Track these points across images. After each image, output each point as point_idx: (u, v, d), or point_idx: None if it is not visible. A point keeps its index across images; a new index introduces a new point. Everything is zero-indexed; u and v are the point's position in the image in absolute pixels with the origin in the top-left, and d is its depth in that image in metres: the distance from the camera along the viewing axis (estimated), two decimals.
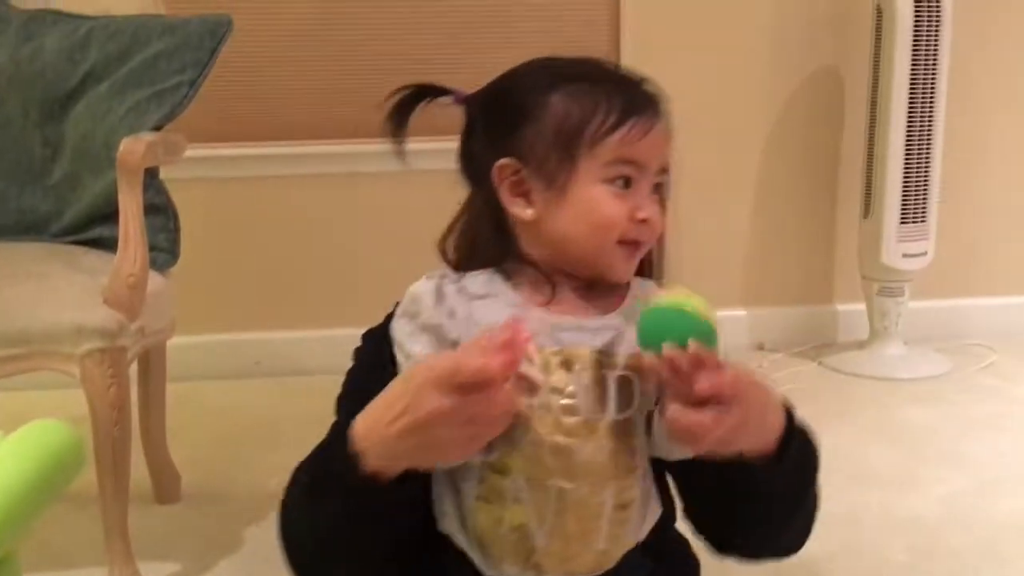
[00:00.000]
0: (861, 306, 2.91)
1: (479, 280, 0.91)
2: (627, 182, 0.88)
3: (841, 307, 3.06)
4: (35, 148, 1.91)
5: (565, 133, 0.87)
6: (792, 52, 2.88)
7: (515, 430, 0.82)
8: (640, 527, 0.92)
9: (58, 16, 1.94)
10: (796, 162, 2.97)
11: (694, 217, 2.90)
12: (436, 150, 2.98)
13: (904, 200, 2.72)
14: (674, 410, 0.80)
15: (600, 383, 0.85)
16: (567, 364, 0.85)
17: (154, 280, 1.77)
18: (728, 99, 2.89)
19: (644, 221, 0.88)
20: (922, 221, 2.75)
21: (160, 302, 1.79)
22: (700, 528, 1.02)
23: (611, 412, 0.86)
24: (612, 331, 0.87)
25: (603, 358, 0.86)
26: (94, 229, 1.86)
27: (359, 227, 2.79)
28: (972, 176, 2.99)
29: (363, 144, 2.76)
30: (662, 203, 0.92)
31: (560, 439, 0.84)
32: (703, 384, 0.77)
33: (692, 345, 0.78)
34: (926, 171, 2.72)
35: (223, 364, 2.76)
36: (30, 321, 1.58)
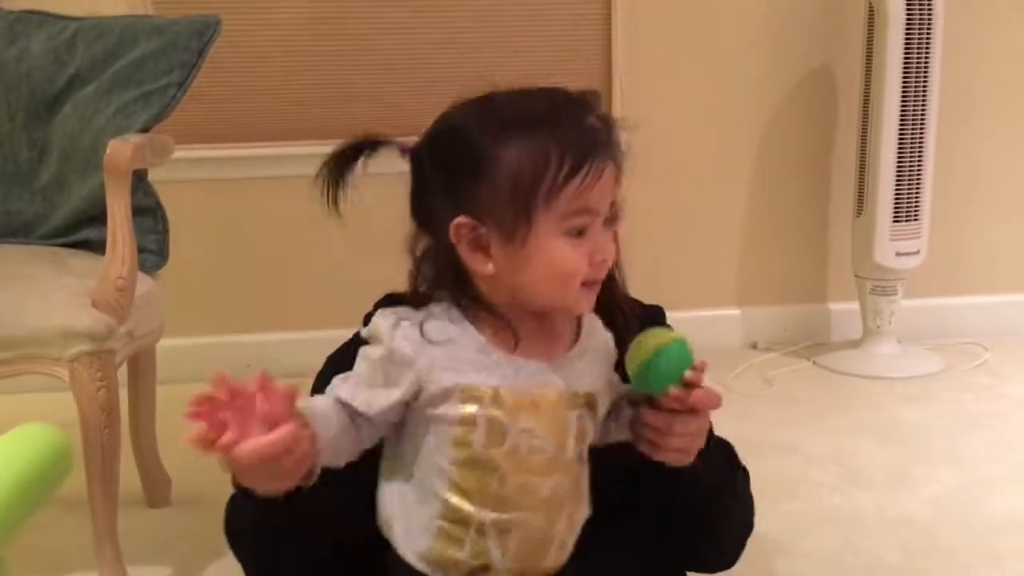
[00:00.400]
0: (854, 305, 2.91)
1: (439, 324, 0.90)
2: (583, 229, 0.89)
3: (834, 306, 3.05)
4: (21, 150, 1.89)
5: (520, 190, 0.87)
6: (785, 51, 2.88)
7: (485, 472, 0.89)
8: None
9: (44, 17, 1.92)
10: (789, 161, 2.96)
11: (688, 216, 2.89)
12: None
13: (897, 199, 2.71)
14: (652, 416, 0.95)
15: (563, 422, 0.92)
16: (534, 405, 0.90)
17: (143, 282, 1.76)
18: (721, 98, 2.89)
19: (603, 261, 0.90)
20: (915, 220, 2.74)
21: (149, 304, 1.78)
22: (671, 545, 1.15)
23: (571, 448, 0.93)
24: (572, 368, 0.93)
25: (566, 398, 0.92)
26: (82, 231, 1.85)
27: (350, 229, 2.76)
28: (965, 174, 2.99)
29: None
30: (615, 232, 0.94)
31: (526, 478, 0.90)
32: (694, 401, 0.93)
33: (693, 376, 0.93)
34: (919, 170, 2.71)
35: (213, 367, 2.73)
36: (17, 325, 1.57)
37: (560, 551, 0.96)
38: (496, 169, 0.87)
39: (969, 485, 2.08)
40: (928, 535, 1.87)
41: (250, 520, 1.06)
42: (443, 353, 0.89)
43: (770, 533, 1.86)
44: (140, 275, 1.76)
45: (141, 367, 1.96)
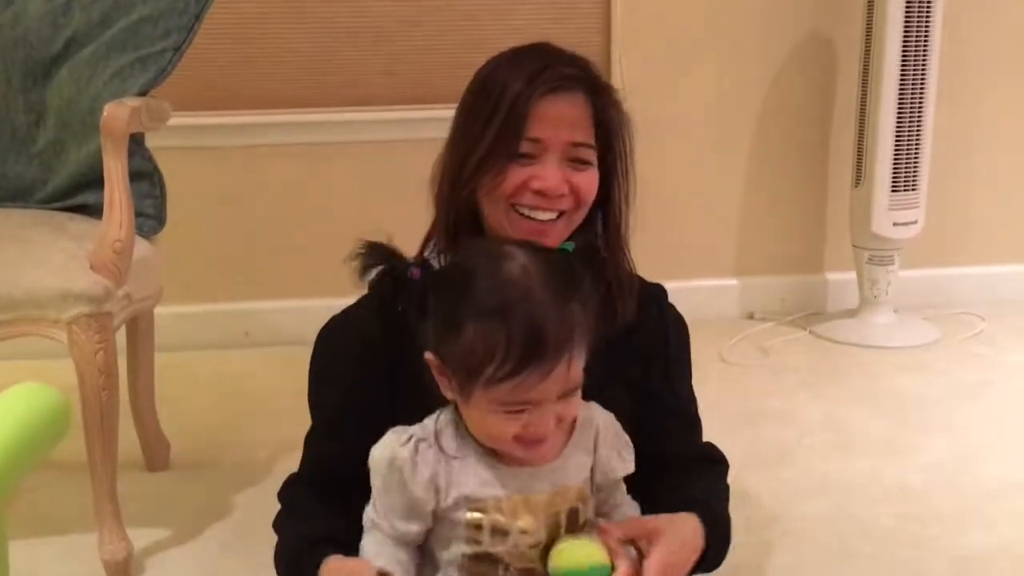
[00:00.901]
0: (851, 275, 2.91)
1: (449, 436, 1.03)
2: (520, 412, 0.96)
3: (831, 276, 3.06)
4: (18, 114, 1.89)
5: (465, 368, 0.96)
6: (785, 20, 2.86)
7: (492, 563, 1.01)
8: None
9: None
10: (788, 131, 2.95)
11: (685, 187, 2.89)
12: (426, 119, 2.99)
13: (895, 169, 2.71)
14: None
15: (556, 518, 1.03)
16: (529, 509, 1.01)
17: (140, 246, 1.77)
18: (719, 67, 2.88)
19: (536, 433, 0.98)
20: (913, 190, 2.74)
21: (147, 268, 1.78)
22: None
23: (546, 536, 1.03)
24: (564, 468, 1.04)
25: (558, 497, 1.03)
26: (79, 196, 1.85)
27: (350, 196, 2.77)
28: (964, 145, 2.98)
29: (355, 112, 2.75)
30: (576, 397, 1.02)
31: (526, 563, 1.02)
32: None
33: None
34: (917, 140, 2.71)
35: (212, 334, 2.76)
36: (15, 287, 1.57)
37: None
38: (459, 338, 0.96)
39: (963, 452, 2.09)
40: (922, 501, 1.88)
41: None
42: (456, 466, 1.01)
43: (764, 499, 1.88)
44: (137, 239, 1.76)
45: (140, 331, 1.96)
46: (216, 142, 2.71)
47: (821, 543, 1.74)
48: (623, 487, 1.12)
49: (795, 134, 2.96)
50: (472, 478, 1.01)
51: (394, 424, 1.06)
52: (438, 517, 1.03)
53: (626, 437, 1.10)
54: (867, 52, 2.70)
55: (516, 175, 1.15)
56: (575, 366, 0.96)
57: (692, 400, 1.30)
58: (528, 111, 1.14)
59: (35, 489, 1.94)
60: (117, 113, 1.65)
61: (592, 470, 1.07)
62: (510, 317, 0.93)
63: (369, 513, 1.06)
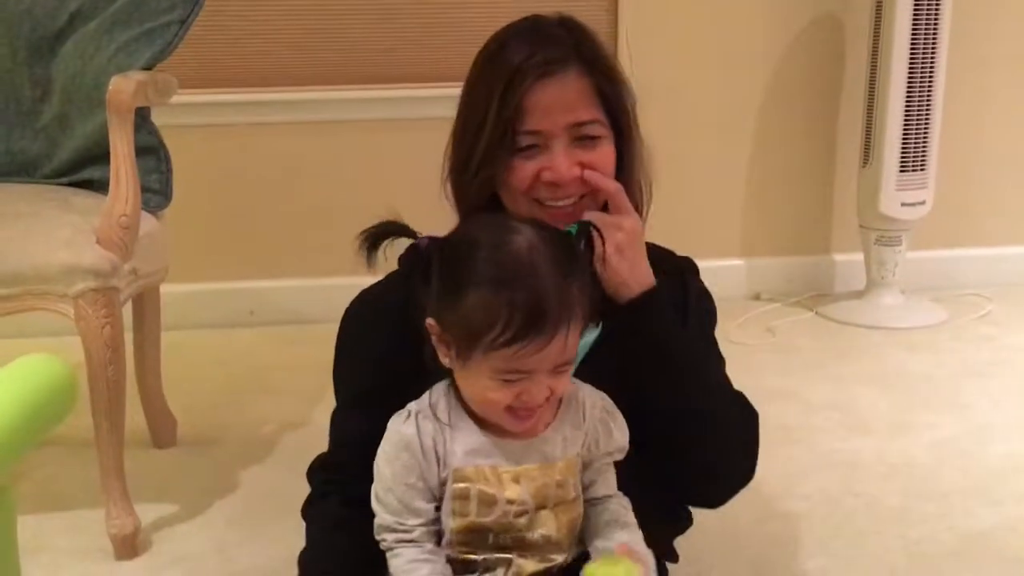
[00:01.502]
0: (858, 256, 2.90)
1: (444, 406, 1.04)
2: (515, 380, 0.97)
3: (838, 257, 3.04)
4: (24, 89, 1.88)
5: (466, 332, 0.97)
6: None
7: (481, 533, 1.02)
8: None
9: None
10: (795, 110, 2.94)
11: (692, 166, 2.88)
12: (430, 97, 2.97)
13: (904, 148, 2.69)
14: None
15: (544, 489, 1.03)
16: (516, 480, 1.02)
17: (147, 221, 1.76)
18: (726, 45, 2.86)
19: (529, 402, 0.99)
20: (922, 170, 2.73)
21: (153, 244, 1.78)
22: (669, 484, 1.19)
23: (551, 505, 1.04)
24: (553, 440, 1.04)
25: (545, 469, 1.03)
26: (85, 171, 1.85)
27: (354, 175, 2.76)
28: (973, 125, 2.96)
29: (359, 91, 2.74)
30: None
31: (516, 533, 1.03)
32: None
33: None
34: (927, 120, 2.69)
35: (218, 313, 2.75)
36: (22, 261, 1.57)
37: (567, 553, 1.07)
38: (461, 306, 0.97)
39: (970, 431, 2.09)
40: (928, 479, 1.88)
41: None
42: (449, 434, 1.02)
43: (769, 477, 1.87)
44: (144, 214, 1.76)
45: (146, 308, 1.96)
46: (221, 120, 2.70)
47: (827, 520, 1.74)
48: (612, 475, 1.11)
49: (802, 114, 2.94)
50: (461, 446, 1.02)
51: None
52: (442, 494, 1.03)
53: (618, 414, 1.10)
54: (876, 31, 2.68)
55: (524, 170, 1.14)
56: (571, 341, 0.98)
57: (720, 359, 1.28)
58: (520, 104, 1.11)
59: (43, 465, 1.95)
60: (123, 87, 1.64)
61: (581, 445, 1.07)
62: (515, 287, 0.95)
63: (386, 526, 1.04)
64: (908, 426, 2.12)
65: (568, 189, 1.14)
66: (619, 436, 1.10)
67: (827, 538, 1.69)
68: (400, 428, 1.03)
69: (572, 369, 1.02)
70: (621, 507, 1.10)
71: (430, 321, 1.01)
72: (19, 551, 1.61)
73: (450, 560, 1.04)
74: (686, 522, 1.33)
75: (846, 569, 1.60)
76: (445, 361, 1.02)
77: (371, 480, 1.12)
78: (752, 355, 2.52)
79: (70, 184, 1.86)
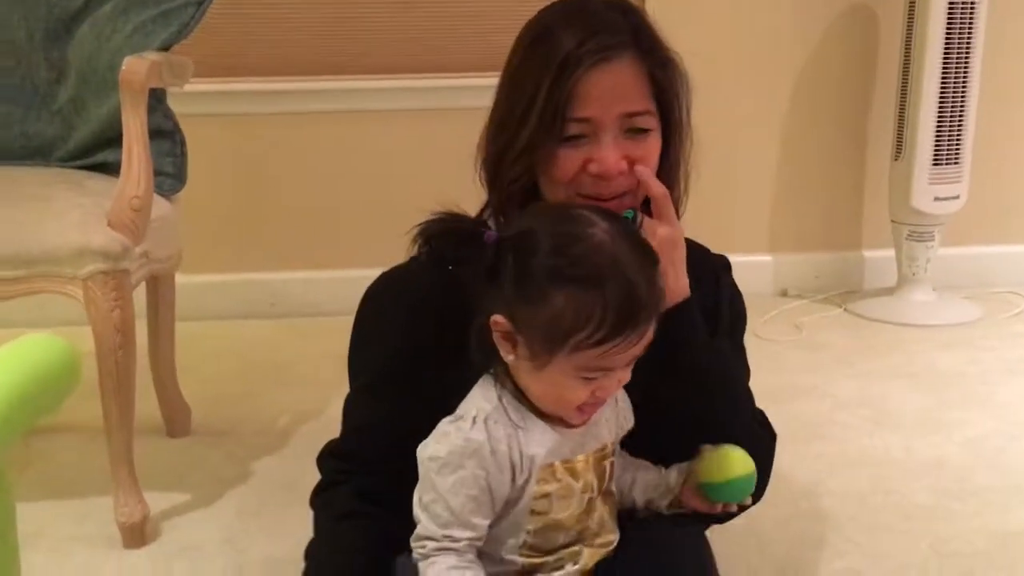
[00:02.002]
0: (889, 252, 2.84)
1: (513, 406, 1.00)
2: (596, 377, 0.96)
3: (869, 253, 2.98)
4: (39, 71, 1.86)
5: (550, 333, 0.93)
6: None
7: (555, 530, 1.01)
8: None
9: None
10: (826, 102, 2.87)
11: (720, 159, 2.79)
12: (451, 87, 2.93)
13: (937, 141, 2.63)
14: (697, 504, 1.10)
15: (602, 472, 1.04)
16: (586, 466, 1.02)
17: (160, 205, 1.74)
18: (756, 36, 2.80)
19: (606, 395, 0.99)
20: (955, 164, 2.66)
21: (166, 228, 1.75)
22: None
23: (606, 486, 1.06)
24: (599, 424, 1.04)
25: (600, 453, 1.04)
26: (99, 154, 1.83)
27: (376, 166, 2.73)
28: (1010, 118, 2.89)
29: (382, 80, 2.71)
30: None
31: (583, 523, 1.03)
32: None
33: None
34: (961, 112, 2.62)
35: (238, 304, 2.73)
36: (33, 242, 1.54)
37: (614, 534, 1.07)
38: (543, 304, 0.93)
39: (1004, 429, 2.02)
40: (960, 478, 1.82)
41: None
42: (522, 436, 0.98)
43: (796, 474, 1.82)
44: (157, 198, 1.73)
45: (160, 294, 1.93)
46: (243, 109, 2.68)
47: (854, 518, 1.68)
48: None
49: (833, 106, 2.88)
50: (540, 446, 0.98)
51: (437, 392, 1.02)
52: (508, 500, 0.98)
53: (624, 393, 1.08)
54: (910, 21, 2.61)
55: (570, 160, 1.08)
56: (651, 333, 0.96)
57: (746, 369, 1.25)
58: (572, 90, 1.05)
59: (54, 453, 1.93)
60: (136, 67, 1.61)
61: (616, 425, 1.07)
62: (605, 283, 0.92)
63: (428, 535, 0.98)
64: (940, 423, 2.05)
65: (613, 183, 1.09)
66: (630, 415, 1.09)
67: (855, 537, 1.62)
68: (468, 435, 0.97)
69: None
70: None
71: (498, 318, 0.96)
72: (23, 537, 1.60)
73: (516, 571, 1.02)
74: None
75: (874, 569, 1.54)
76: (509, 359, 0.98)
77: (383, 471, 1.08)
78: (780, 352, 2.46)
79: (85, 167, 1.84)
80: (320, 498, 1.17)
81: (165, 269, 1.84)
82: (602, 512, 1.04)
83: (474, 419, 0.97)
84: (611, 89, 1.07)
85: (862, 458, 1.91)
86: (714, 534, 1.24)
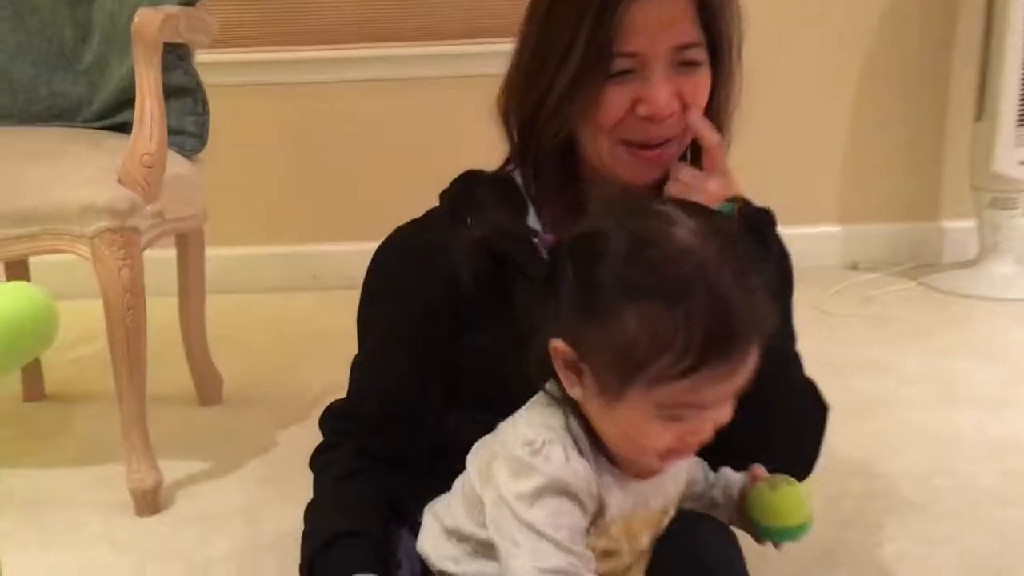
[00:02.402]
0: (970, 223, 2.65)
1: (584, 442, 0.84)
2: (683, 418, 0.79)
3: (949, 224, 2.79)
4: (65, 31, 1.84)
5: (626, 361, 0.77)
6: None
7: None
8: None
9: None
10: (903, 60, 2.69)
11: (785, 122, 2.65)
12: (486, 53, 2.82)
13: (1023, 99, 2.43)
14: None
15: (657, 531, 0.91)
16: (647, 524, 0.89)
17: (180, 164, 1.70)
18: None
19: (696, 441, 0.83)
20: None
21: (186, 187, 1.71)
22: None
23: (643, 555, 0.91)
24: (663, 481, 0.89)
25: (661, 513, 0.90)
26: (121, 113, 1.79)
27: (420, 135, 2.66)
28: None
29: (419, 47, 2.64)
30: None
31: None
32: None
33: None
34: None
35: (280, 277, 2.70)
36: (42, 199, 1.51)
37: None
38: (615, 322, 0.77)
39: None
40: None
41: None
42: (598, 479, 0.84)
43: (850, 453, 1.68)
44: (178, 157, 1.70)
45: (189, 258, 1.89)
46: (283, 79, 2.64)
47: (910, 500, 1.54)
48: None
49: (911, 63, 2.70)
50: (612, 498, 0.84)
51: (448, 358, 0.96)
52: None
53: None
54: None
55: (616, 100, 0.98)
56: (751, 364, 0.78)
57: (791, 336, 1.11)
58: (618, 21, 0.96)
59: (74, 422, 1.93)
60: (149, 18, 1.57)
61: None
62: (691, 298, 0.75)
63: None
64: (1012, 402, 1.88)
65: (663, 127, 1.00)
66: (697, 463, 0.99)
67: (909, 520, 1.49)
68: (561, 467, 0.81)
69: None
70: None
71: (558, 344, 0.81)
72: (38, 503, 1.58)
73: None
74: None
75: (930, 555, 1.40)
76: (574, 393, 0.82)
77: (386, 432, 1.03)
78: (845, 325, 2.32)
79: (108, 128, 1.80)
80: (320, 459, 1.10)
81: (187, 228, 1.79)
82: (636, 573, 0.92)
83: (563, 448, 0.82)
84: (660, 19, 0.97)
85: (924, 437, 1.76)
86: None
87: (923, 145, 2.75)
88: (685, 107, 1.00)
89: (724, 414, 0.81)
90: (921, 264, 2.74)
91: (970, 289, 2.53)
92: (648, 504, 0.87)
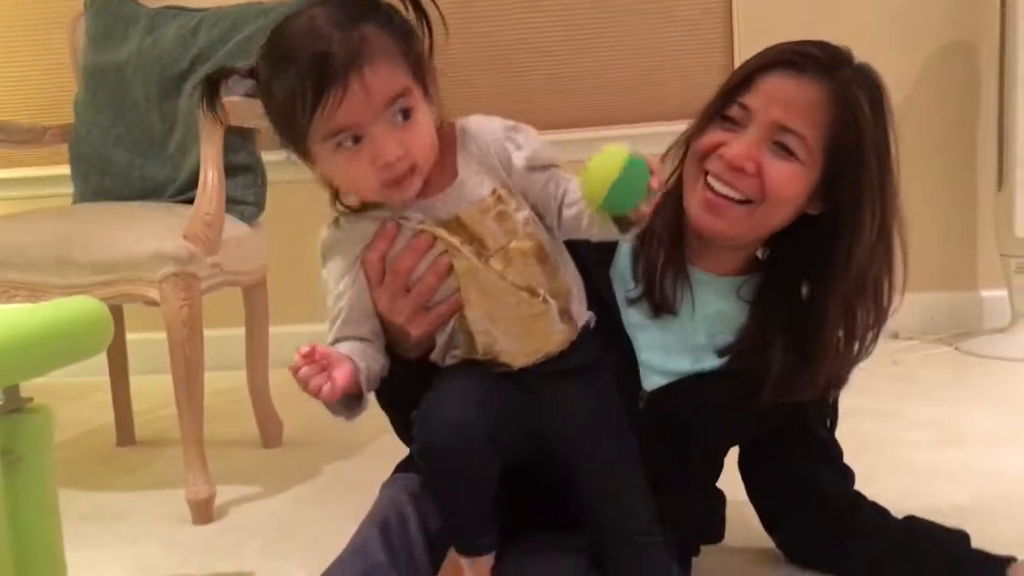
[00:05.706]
0: (1004, 292, 2.72)
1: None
2: (355, 139, 0.95)
3: (986, 293, 2.86)
4: (155, 123, 2.18)
5: (287, 124, 0.97)
6: (922, 25, 2.79)
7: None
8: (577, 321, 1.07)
9: (179, 10, 2.22)
10: (930, 138, 2.83)
11: None
12: (657, 133, 2.96)
13: None
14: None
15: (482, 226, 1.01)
16: (449, 227, 1.01)
17: (239, 227, 1.99)
18: None
19: (386, 164, 0.97)
20: None
21: (243, 246, 2.00)
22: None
23: (499, 241, 1.01)
24: (465, 184, 1.01)
25: (474, 210, 1.01)
26: (196, 189, 2.10)
27: None
28: None
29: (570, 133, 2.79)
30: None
31: (489, 276, 1.01)
32: None
33: (657, 184, 0.90)
34: None
35: None
36: (119, 251, 1.80)
37: (558, 327, 1.04)
38: (272, 101, 0.97)
39: None
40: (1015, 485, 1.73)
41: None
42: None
43: None
44: (237, 222, 1.99)
45: (254, 311, 2.17)
46: None
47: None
48: (559, 171, 1.02)
49: (938, 141, 2.84)
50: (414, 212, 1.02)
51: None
52: None
53: (522, 126, 1.03)
54: (1002, 51, 2.57)
55: (713, 136, 1.16)
56: (378, 81, 0.92)
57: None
58: (753, 78, 1.14)
59: (155, 461, 2.21)
60: None
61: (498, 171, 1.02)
62: (296, 56, 0.92)
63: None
64: (1009, 441, 1.95)
65: (736, 178, 1.13)
66: (525, 145, 1.02)
67: None
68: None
69: (418, 119, 0.96)
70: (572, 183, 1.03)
71: (288, 152, 1.00)
72: (116, 519, 1.83)
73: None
74: (716, 535, 1.40)
75: None
76: (311, 169, 1.00)
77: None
78: (867, 380, 2.39)
79: (187, 201, 2.12)
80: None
81: (246, 281, 2.08)
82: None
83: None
84: (782, 94, 1.12)
85: (908, 468, 1.84)
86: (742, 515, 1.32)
87: (957, 217, 2.87)
88: (760, 174, 1.12)
89: (408, 135, 0.95)
90: (961, 332, 2.81)
91: (1005, 352, 2.59)
92: (442, 214, 1.00)
